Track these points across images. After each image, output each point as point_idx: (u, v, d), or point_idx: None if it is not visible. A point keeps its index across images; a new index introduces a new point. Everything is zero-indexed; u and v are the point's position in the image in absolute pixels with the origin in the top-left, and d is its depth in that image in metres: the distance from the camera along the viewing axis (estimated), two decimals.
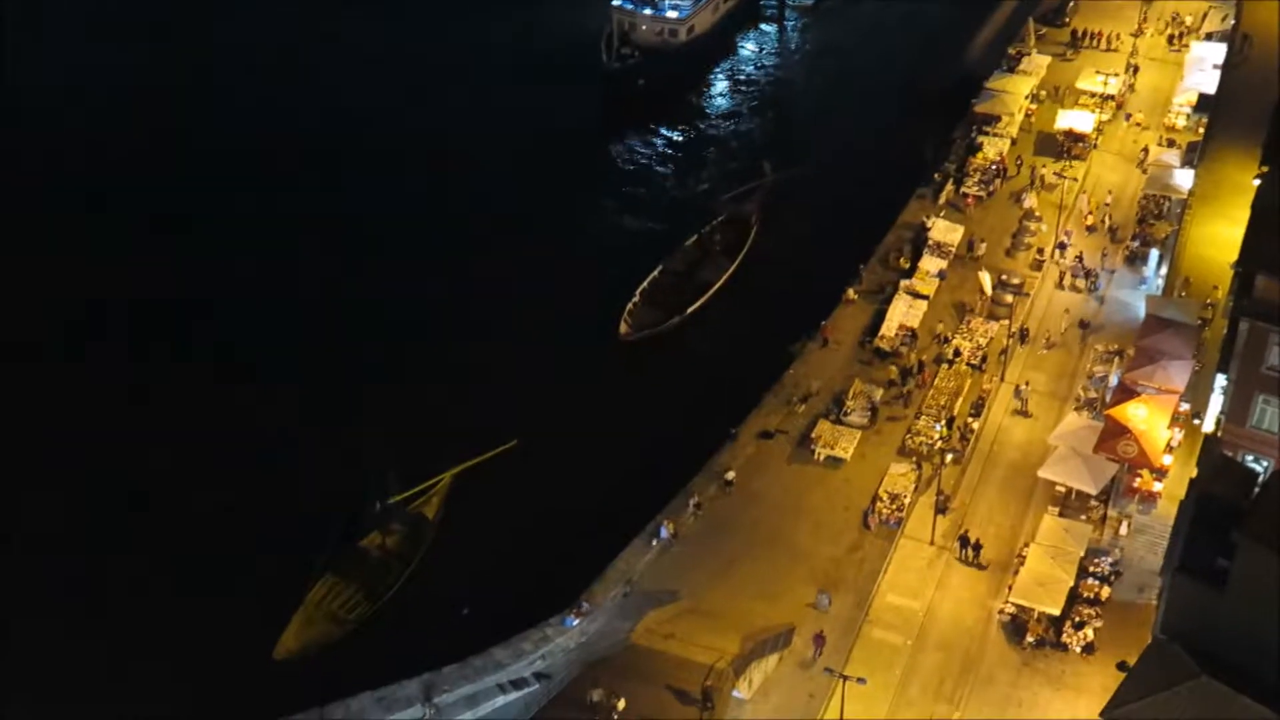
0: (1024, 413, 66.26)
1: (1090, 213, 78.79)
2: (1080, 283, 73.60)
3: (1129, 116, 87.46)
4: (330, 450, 66.02)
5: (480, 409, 68.70)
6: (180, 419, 68.77)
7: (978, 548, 58.62)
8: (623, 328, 74.86)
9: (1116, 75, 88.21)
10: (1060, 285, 74.30)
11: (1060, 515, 59.47)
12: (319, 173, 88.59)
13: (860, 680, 49.51)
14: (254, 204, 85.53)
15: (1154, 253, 74.94)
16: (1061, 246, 76.26)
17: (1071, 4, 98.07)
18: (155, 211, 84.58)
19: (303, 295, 77.86)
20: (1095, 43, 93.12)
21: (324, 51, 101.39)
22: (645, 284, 77.99)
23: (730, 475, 62.44)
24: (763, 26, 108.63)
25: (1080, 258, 75.27)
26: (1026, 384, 67.16)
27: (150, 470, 65.53)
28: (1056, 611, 54.50)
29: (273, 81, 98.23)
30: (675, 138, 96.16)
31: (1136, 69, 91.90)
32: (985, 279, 72.60)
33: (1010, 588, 56.18)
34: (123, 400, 69.69)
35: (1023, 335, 69.72)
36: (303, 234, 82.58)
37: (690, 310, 76.64)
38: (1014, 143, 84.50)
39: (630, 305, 76.39)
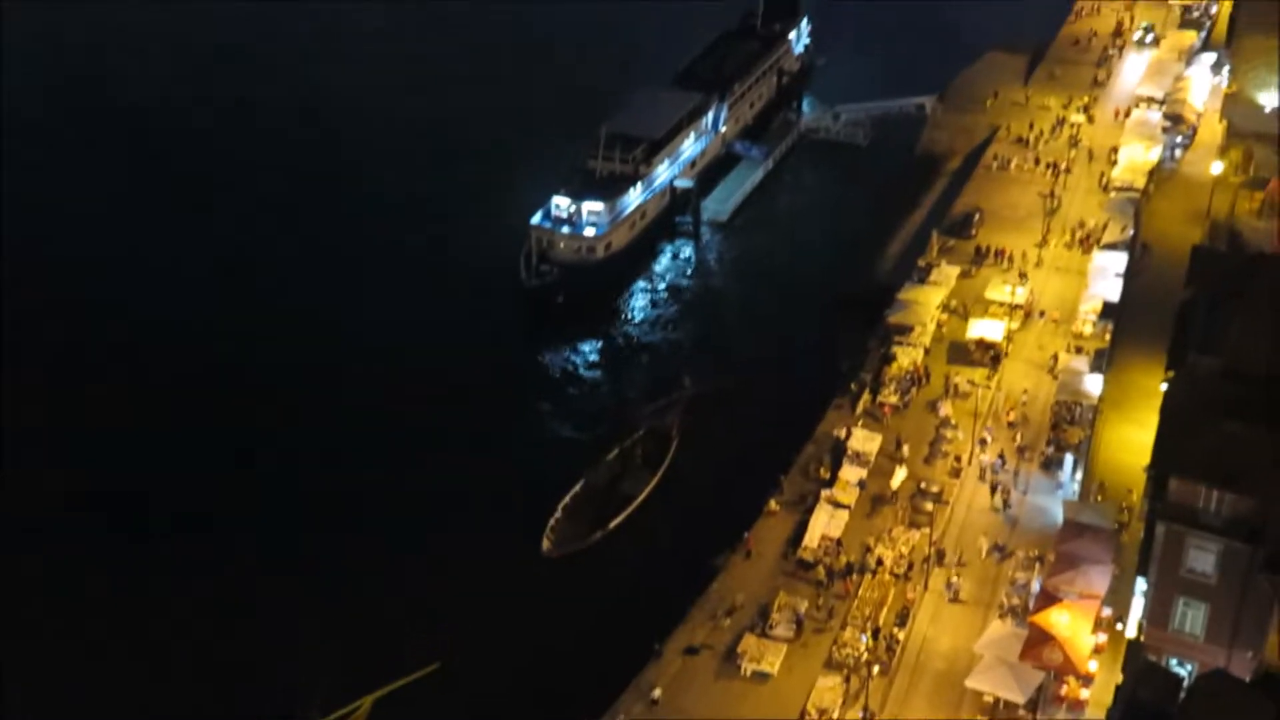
0: (957, 600, 66.25)
1: (1011, 409, 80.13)
2: (998, 493, 73.91)
3: (1042, 314, 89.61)
4: (241, 676, 64.36)
5: (400, 629, 67.48)
6: None
7: None
8: (545, 544, 74.27)
9: (1024, 283, 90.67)
10: (982, 478, 75.03)
11: None
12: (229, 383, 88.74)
13: None
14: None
15: (1069, 458, 75.90)
16: (982, 443, 77.34)
17: (977, 217, 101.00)
18: None
19: (220, 510, 76.99)
20: (999, 260, 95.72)
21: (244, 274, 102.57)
22: (567, 499, 77.73)
23: (656, 694, 61.37)
24: (679, 241, 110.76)
25: (1001, 455, 76.23)
26: (958, 576, 67.26)
27: None
28: None
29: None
30: (595, 351, 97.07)
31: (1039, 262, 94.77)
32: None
33: None
34: None
35: (939, 556, 69.44)
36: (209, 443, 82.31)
37: (613, 524, 76.26)
38: (927, 352, 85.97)
39: (553, 521, 75.95)
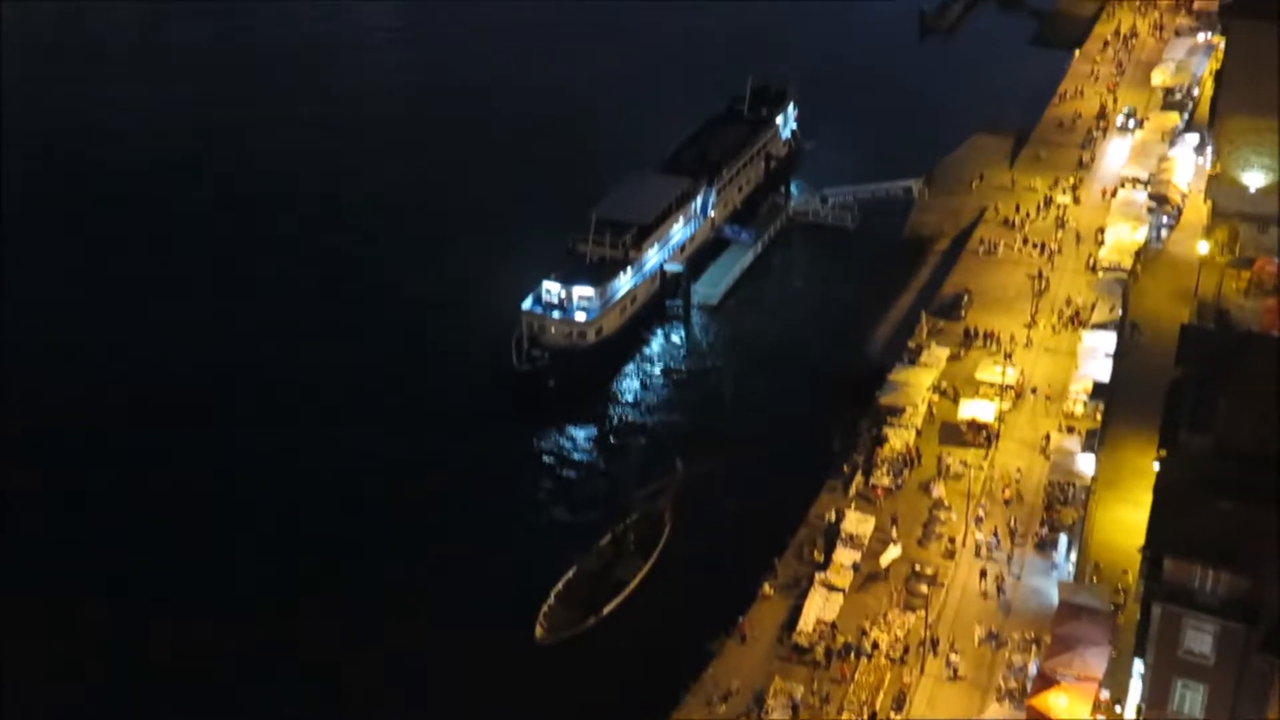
0: (956, 678, 65.64)
1: (1006, 486, 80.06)
2: (991, 577, 73.51)
3: (1035, 390, 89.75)
4: None
5: (390, 717, 66.81)
6: None
7: None
8: (538, 631, 73.75)
9: (1014, 364, 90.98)
10: (977, 554, 74.69)
11: None
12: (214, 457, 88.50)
13: None
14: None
15: (1063, 538, 75.68)
16: (978, 520, 77.16)
17: (966, 298, 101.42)
18: None
19: (212, 593, 76.44)
20: (988, 342, 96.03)
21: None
22: (560, 585, 77.28)
23: None
24: (670, 325, 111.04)
25: (996, 534, 76.02)
26: (955, 654, 66.80)
27: None
28: None
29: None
30: (587, 436, 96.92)
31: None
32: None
33: None
34: None
35: (933, 645, 68.97)
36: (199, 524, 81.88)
37: (606, 610, 75.74)
38: (919, 433, 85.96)
39: (545, 607, 75.48)
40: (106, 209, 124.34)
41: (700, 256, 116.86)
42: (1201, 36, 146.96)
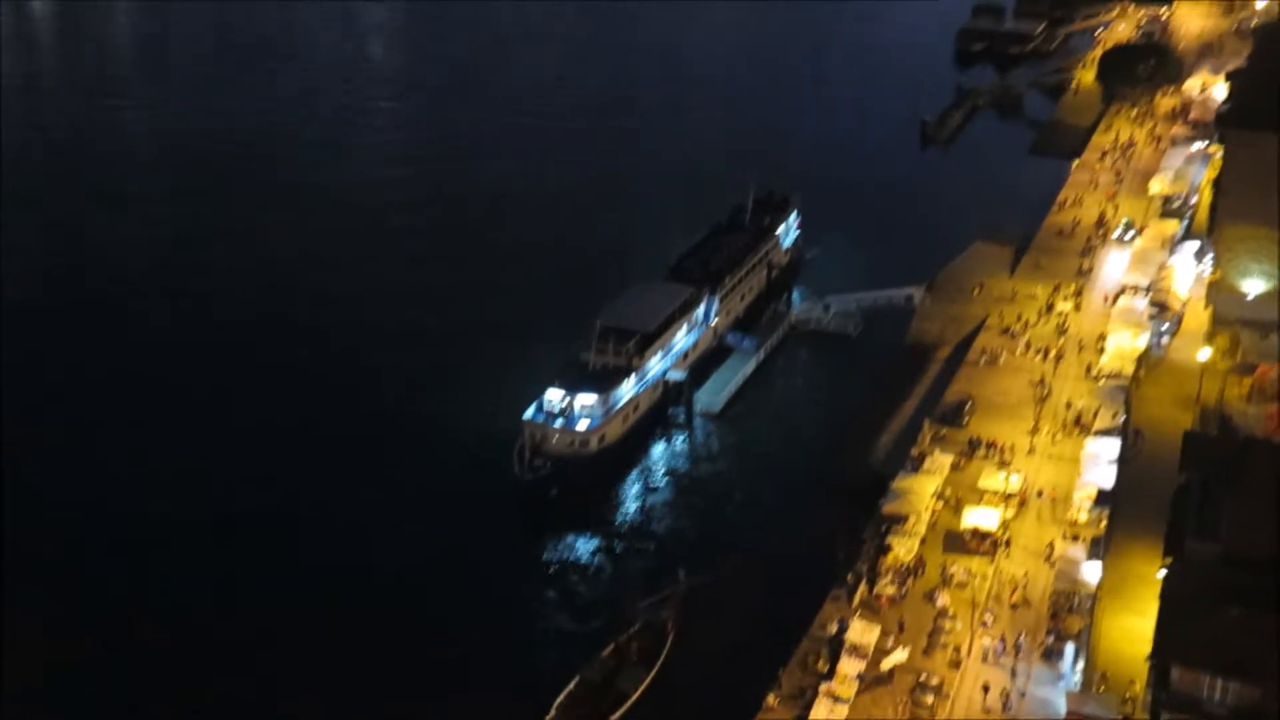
0: None
1: (1013, 592, 79.48)
2: (996, 689, 72.71)
3: (1040, 493, 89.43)
4: None
5: None
6: None
7: None
8: None
9: (1017, 471, 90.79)
10: (984, 660, 73.86)
11: None
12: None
13: None
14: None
15: (1069, 647, 74.92)
16: (984, 624, 76.50)
17: (968, 405, 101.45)
18: None
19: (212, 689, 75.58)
20: (991, 450, 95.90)
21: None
22: (562, 696, 76.41)
23: None
24: (673, 433, 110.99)
25: (1002, 640, 75.36)
26: None
27: None
28: None
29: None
30: (589, 545, 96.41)
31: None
32: None
33: None
34: None
35: None
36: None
37: None
38: (923, 541, 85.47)
39: (548, 718, 74.64)
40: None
41: (703, 364, 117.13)
42: (1197, 145, 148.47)
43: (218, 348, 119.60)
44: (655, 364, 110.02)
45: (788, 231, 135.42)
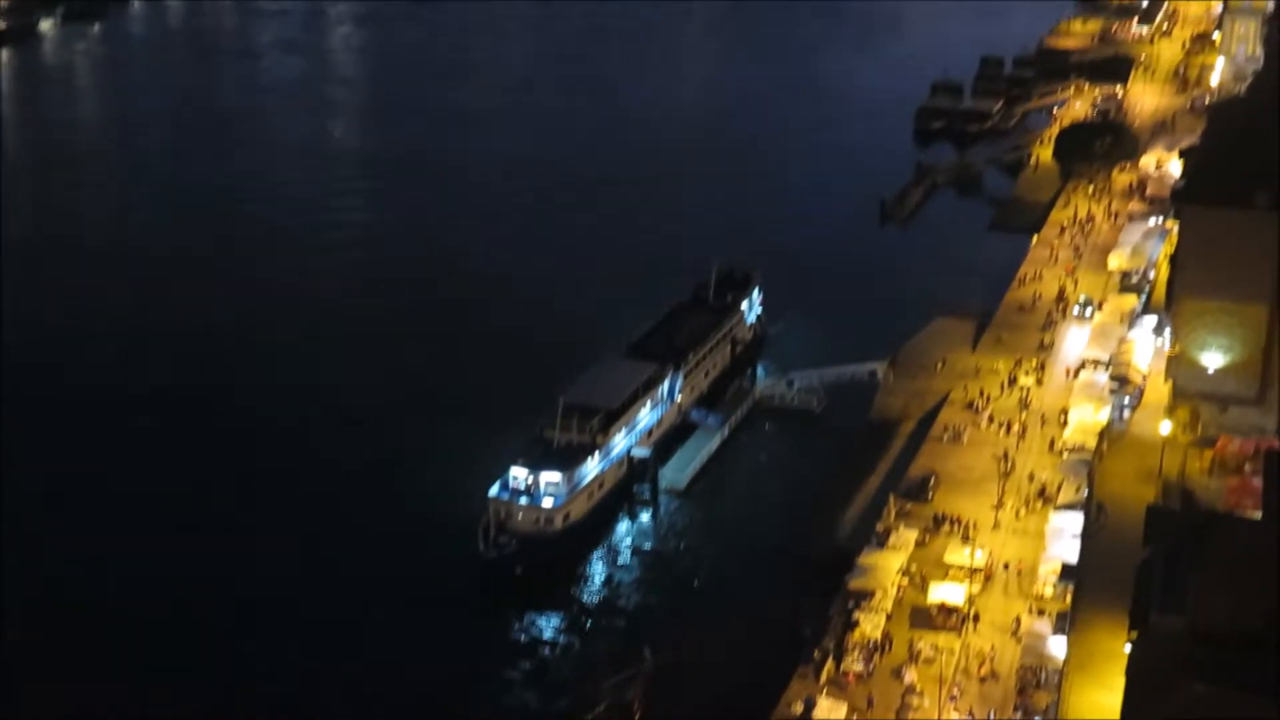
0: None
1: (981, 665, 79.34)
2: None
3: (1007, 567, 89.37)
4: None
5: None
6: None
7: None
8: None
9: (982, 546, 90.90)
10: None
11: None
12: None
13: None
14: None
15: None
16: (953, 699, 76.33)
17: (932, 480, 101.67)
18: None
19: None
20: (955, 527, 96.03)
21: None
22: None
23: None
24: (638, 510, 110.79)
25: (971, 713, 75.02)
26: None
27: None
28: None
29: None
30: (554, 623, 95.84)
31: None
32: None
33: None
34: None
35: None
36: None
37: None
38: (889, 617, 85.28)
39: None
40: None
41: (668, 441, 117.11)
42: (1153, 221, 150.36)
43: (180, 438, 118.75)
44: (620, 441, 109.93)
45: (751, 307, 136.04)
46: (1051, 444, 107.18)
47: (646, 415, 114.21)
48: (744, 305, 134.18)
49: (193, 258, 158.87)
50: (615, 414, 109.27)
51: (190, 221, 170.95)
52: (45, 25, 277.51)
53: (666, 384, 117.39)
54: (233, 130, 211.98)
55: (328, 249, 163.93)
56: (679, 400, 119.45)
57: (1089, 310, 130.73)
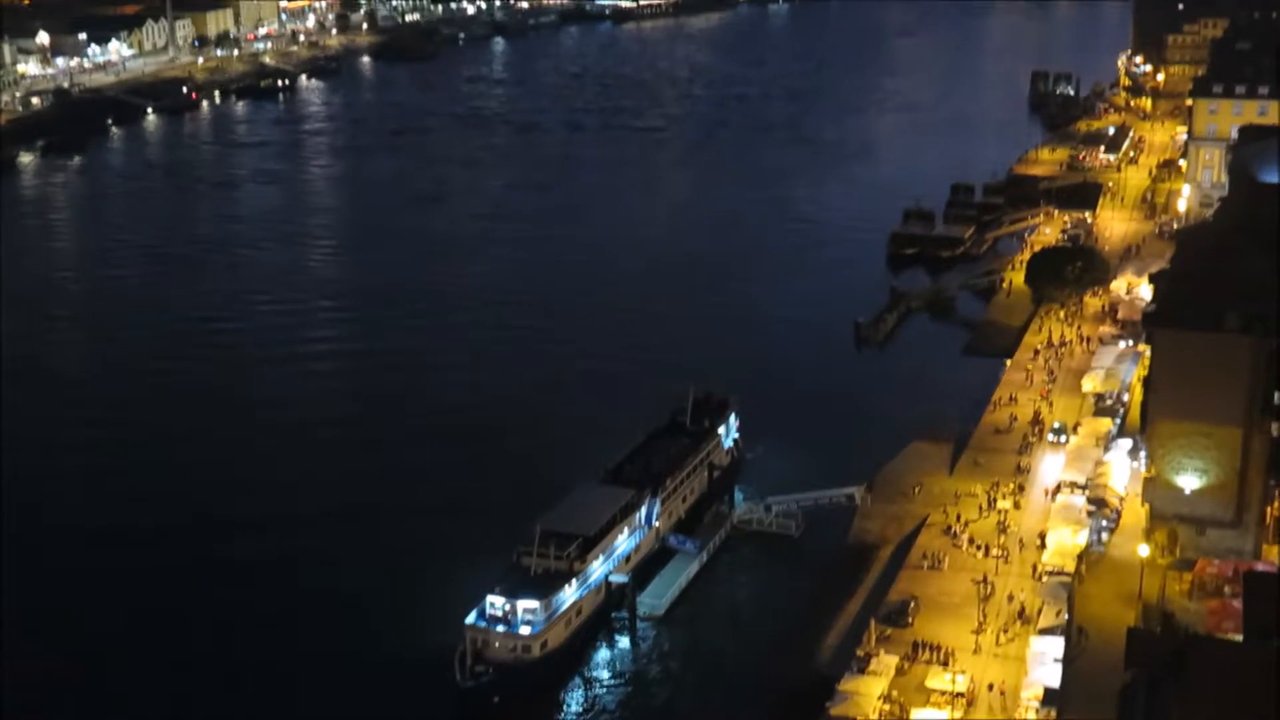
0: None
1: None
2: None
3: (992, 687, 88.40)
4: None
5: None
6: None
7: None
8: None
9: (963, 671, 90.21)
10: None
11: None
12: None
13: None
14: None
15: None
16: None
17: (912, 605, 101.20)
18: None
19: None
20: (935, 653, 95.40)
21: None
22: None
23: None
24: (616, 637, 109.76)
25: None
26: None
27: None
28: None
29: None
30: None
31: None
32: None
33: None
34: None
35: None
36: None
37: None
38: None
39: None
40: None
41: (646, 566, 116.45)
42: (1126, 344, 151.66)
43: (150, 567, 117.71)
44: (597, 567, 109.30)
45: (728, 432, 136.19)
46: (1033, 569, 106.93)
47: (624, 541, 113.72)
48: (721, 430, 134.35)
49: (171, 384, 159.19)
50: (593, 540, 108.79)
51: (168, 349, 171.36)
52: (25, 158, 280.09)
53: (644, 509, 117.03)
54: (211, 259, 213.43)
55: (304, 375, 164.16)
56: (657, 525, 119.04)
57: (1063, 437, 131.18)
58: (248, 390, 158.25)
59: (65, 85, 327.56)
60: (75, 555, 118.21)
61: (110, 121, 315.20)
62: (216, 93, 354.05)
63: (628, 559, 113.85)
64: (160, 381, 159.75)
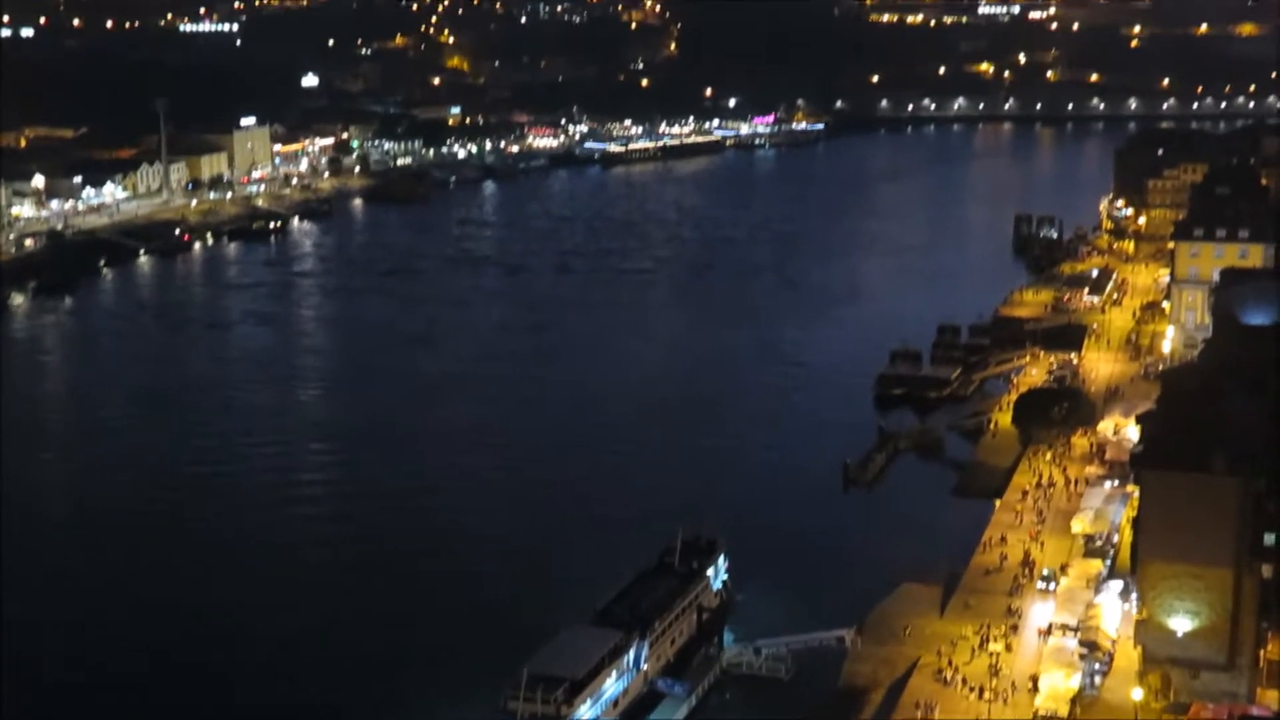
0: None
1: None
2: None
3: None
4: None
5: None
6: None
7: None
8: None
9: None
10: None
11: None
12: None
13: None
14: None
15: None
16: None
17: None
18: None
19: None
20: None
21: None
22: None
23: None
24: None
25: None
26: None
27: None
28: None
29: None
30: None
31: None
32: None
33: None
34: None
35: None
36: None
37: None
38: None
39: None
40: None
41: (634, 710, 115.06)
42: (1108, 484, 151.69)
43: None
44: (585, 711, 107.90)
45: (717, 574, 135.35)
46: (1033, 714, 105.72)
47: (612, 684, 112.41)
48: (710, 571, 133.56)
49: (159, 524, 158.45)
50: (580, 684, 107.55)
51: (157, 492, 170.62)
52: (17, 300, 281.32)
53: (632, 652, 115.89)
54: (202, 400, 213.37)
55: (293, 516, 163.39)
56: (645, 669, 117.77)
57: (1052, 584, 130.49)
58: (235, 530, 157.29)
59: (59, 227, 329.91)
60: (64, 695, 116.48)
61: (102, 263, 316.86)
62: (209, 234, 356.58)
63: (615, 703, 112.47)
64: (148, 524, 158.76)
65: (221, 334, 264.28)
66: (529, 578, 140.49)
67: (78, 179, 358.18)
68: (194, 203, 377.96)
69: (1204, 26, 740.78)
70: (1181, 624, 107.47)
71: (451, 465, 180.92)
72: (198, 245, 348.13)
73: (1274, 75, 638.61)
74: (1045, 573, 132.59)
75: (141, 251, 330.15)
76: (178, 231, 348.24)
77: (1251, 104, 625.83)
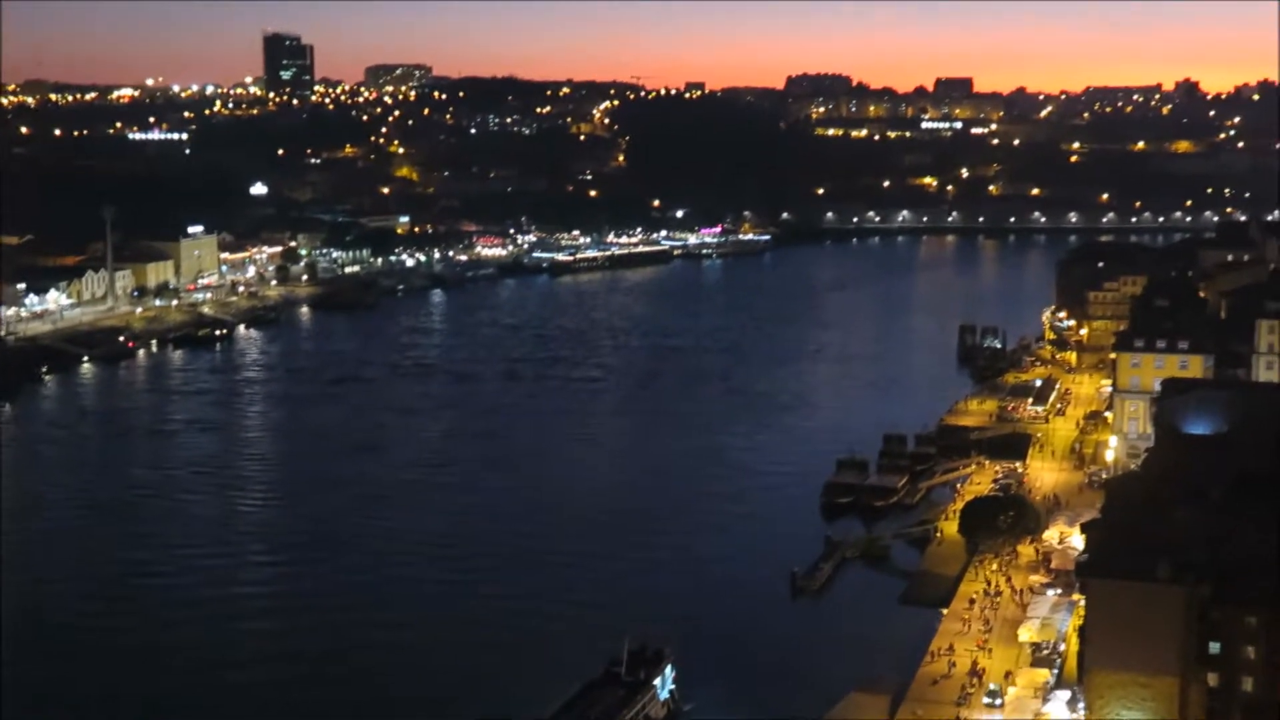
0: None
1: None
2: None
3: None
4: None
5: None
6: None
7: None
8: None
9: None
10: None
11: None
12: None
13: None
14: None
15: None
16: None
17: None
18: None
19: None
20: None
21: None
22: None
23: None
24: None
25: None
26: None
27: None
28: None
29: None
30: None
31: None
32: None
33: None
34: None
35: None
36: None
37: None
38: None
39: None
40: None
41: None
42: (1054, 593, 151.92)
43: None
44: None
45: (664, 684, 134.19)
46: None
47: None
48: (657, 681, 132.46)
49: (100, 630, 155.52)
50: None
51: (97, 604, 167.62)
52: None
53: None
54: (144, 506, 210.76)
55: (235, 627, 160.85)
56: None
57: (998, 699, 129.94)
58: (179, 643, 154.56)
59: (1, 334, 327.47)
60: None
61: (44, 370, 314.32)
62: (154, 342, 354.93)
63: None
64: (89, 640, 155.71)
65: (165, 441, 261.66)
66: (474, 688, 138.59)
67: (21, 285, 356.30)
68: (139, 310, 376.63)
69: (1140, 143, 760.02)
70: None
71: (396, 576, 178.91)
72: (142, 352, 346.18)
73: (1208, 191, 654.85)
74: (992, 688, 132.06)
75: (85, 358, 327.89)
76: (122, 339, 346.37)
77: (1188, 218, 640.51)
